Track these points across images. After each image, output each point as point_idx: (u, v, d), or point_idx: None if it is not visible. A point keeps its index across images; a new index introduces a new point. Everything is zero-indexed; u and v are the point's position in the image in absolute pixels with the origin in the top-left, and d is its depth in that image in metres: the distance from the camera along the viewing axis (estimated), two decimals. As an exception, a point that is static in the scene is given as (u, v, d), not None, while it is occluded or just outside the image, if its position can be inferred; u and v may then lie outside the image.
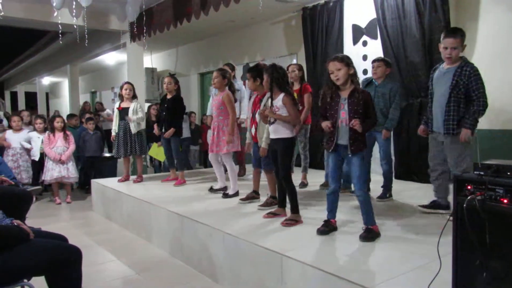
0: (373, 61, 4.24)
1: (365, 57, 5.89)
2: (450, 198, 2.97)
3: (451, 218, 1.89)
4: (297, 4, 6.62)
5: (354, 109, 2.89)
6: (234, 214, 3.68)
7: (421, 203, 3.67)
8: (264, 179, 3.98)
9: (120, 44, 8.82)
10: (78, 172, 6.48)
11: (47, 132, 6.11)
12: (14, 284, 2.14)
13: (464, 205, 1.78)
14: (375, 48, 5.68)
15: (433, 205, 3.57)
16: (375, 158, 4.52)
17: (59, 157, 5.93)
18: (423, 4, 4.97)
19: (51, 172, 5.93)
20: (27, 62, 15.46)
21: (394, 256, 2.59)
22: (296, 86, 4.73)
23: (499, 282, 1.73)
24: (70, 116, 7.91)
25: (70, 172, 6.06)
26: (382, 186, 4.20)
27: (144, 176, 5.75)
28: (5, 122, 6.60)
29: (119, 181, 5.57)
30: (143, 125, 5.54)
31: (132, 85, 5.54)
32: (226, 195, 4.35)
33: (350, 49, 5.96)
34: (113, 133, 5.49)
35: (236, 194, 4.35)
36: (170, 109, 5.11)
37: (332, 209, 3.07)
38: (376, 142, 4.27)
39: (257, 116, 3.78)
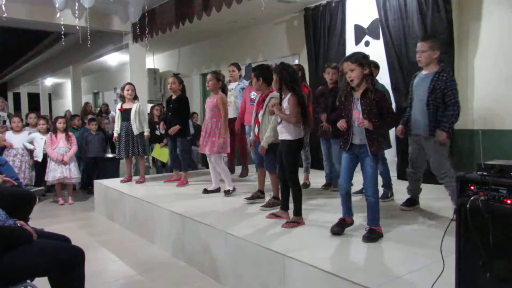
0: None
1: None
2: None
3: (454, 218, 1.88)
4: (299, 5, 6.62)
5: (367, 109, 2.86)
6: (237, 215, 3.68)
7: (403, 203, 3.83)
8: (268, 179, 3.98)
9: (123, 45, 8.84)
10: (81, 173, 6.50)
11: (50, 133, 6.12)
12: (17, 284, 2.15)
13: (468, 206, 1.78)
14: (377, 48, 5.67)
15: (412, 203, 3.79)
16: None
17: (61, 158, 5.94)
18: (425, 4, 4.96)
19: (54, 173, 5.95)
20: (30, 63, 15.52)
21: (397, 256, 2.59)
22: None
23: (503, 283, 1.72)
24: (72, 117, 7.94)
25: (72, 173, 6.08)
26: (382, 186, 4.20)
27: (146, 176, 5.75)
28: (8, 123, 6.61)
29: (122, 181, 5.58)
30: (146, 127, 5.55)
31: (133, 85, 5.55)
32: (227, 193, 4.42)
33: (352, 49, 5.95)
34: (115, 134, 5.50)
35: (234, 190, 4.46)
36: (175, 110, 5.12)
37: (348, 209, 3.03)
38: None
39: (260, 116, 3.78)
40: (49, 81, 18.45)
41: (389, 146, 3.00)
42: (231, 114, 5.24)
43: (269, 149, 3.65)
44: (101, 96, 15.73)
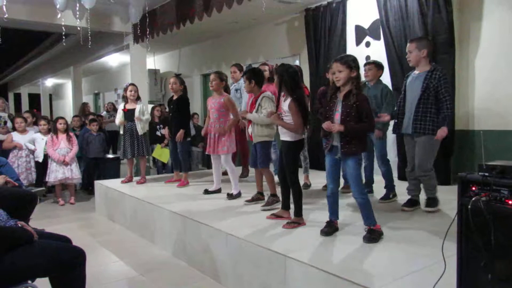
0: (365, 64, 4.29)
1: (368, 58, 5.86)
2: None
3: (456, 219, 1.88)
4: (299, 5, 6.62)
5: (346, 111, 2.87)
6: (237, 215, 3.68)
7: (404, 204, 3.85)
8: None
9: (123, 45, 8.85)
10: (81, 174, 6.49)
11: (50, 133, 6.12)
12: (18, 285, 2.15)
13: (469, 206, 1.77)
14: (378, 49, 5.67)
15: (413, 203, 3.80)
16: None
17: (63, 158, 5.95)
18: (426, 4, 4.96)
19: (55, 174, 5.95)
20: (31, 64, 15.53)
21: (398, 257, 2.59)
22: None
23: (504, 284, 1.72)
24: (73, 117, 7.94)
25: (74, 173, 6.09)
26: (384, 187, 4.20)
27: (147, 177, 5.76)
28: (9, 124, 6.61)
29: (123, 182, 5.58)
30: (147, 127, 5.56)
31: (136, 86, 5.57)
32: (230, 196, 4.35)
33: (353, 50, 5.95)
34: (121, 132, 5.55)
35: (239, 194, 4.36)
36: (176, 110, 5.12)
37: (333, 210, 3.06)
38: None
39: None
40: (49, 82, 18.46)
41: (364, 150, 3.02)
42: None
43: (262, 146, 3.80)
44: (101, 97, 15.73)
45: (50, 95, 20.62)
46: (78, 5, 6.12)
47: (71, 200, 6.23)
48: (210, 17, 6.11)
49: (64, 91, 19.50)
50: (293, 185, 3.33)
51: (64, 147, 6.03)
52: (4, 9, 5.78)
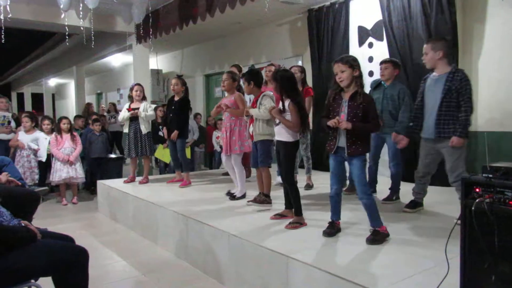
0: (381, 63, 4.19)
1: (371, 59, 5.88)
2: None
3: (459, 221, 1.88)
4: (303, 6, 6.62)
5: (353, 112, 2.87)
6: (240, 215, 3.68)
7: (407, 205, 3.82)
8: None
9: (126, 45, 8.87)
10: (84, 173, 6.51)
11: (54, 133, 6.14)
12: (21, 284, 2.15)
13: (473, 208, 1.77)
14: (381, 50, 5.66)
15: (415, 205, 3.76)
16: (384, 160, 4.50)
17: (67, 157, 5.97)
18: (429, 5, 4.95)
19: (59, 173, 5.97)
20: (34, 64, 15.58)
21: (401, 258, 2.58)
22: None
23: (508, 286, 1.71)
24: (76, 117, 7.97)
25: (78, 172, 6.11)
26: (389, 188, 4.18)
27: (149, 177, 5.77)
28: (12, 124, 6.62)
29: (125, 182, 5.59)
30: (150, 126, 5.57)
31: (142, 86, 5.59)
32: (233, 197, 4.33)
33: (356, 50, 5.95)
34: (125, 130, 5.56)
35: (243, 196, 4.34)
36: (176, 111, 5.11)
37: (336, 211, 3.06)
38: (385, 144, 4.25)
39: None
40: (52, 82, 18.52)
41: (368, 150, 3.03)
42: None
43: (263, 144, 3.84)
44: (104, 97, 15.77)
45: (53, 95, 20.67)
46: (81, 5, 6.13)
47: (74, 199, 6.25)
48: (213, 17, 6.12)
49: (67, 91, 19.56)
50: (289, 185, 3.37)
51: (68, 147, 6.05)
52: (8, 8, 5.80)
